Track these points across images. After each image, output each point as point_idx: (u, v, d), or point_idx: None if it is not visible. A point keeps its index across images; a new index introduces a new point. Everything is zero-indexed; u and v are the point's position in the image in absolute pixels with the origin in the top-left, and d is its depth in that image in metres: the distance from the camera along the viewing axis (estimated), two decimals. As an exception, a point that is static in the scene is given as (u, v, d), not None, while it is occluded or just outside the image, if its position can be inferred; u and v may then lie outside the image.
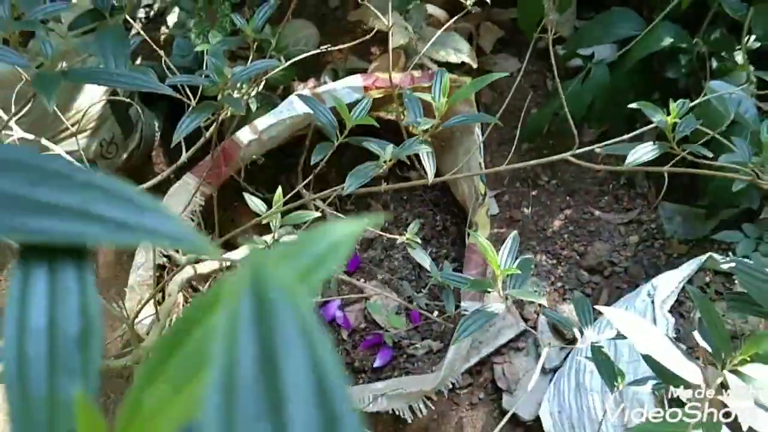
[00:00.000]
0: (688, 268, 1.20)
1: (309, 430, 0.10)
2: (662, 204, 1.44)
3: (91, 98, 1.18)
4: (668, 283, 1.18)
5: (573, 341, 1.35)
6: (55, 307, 0.12)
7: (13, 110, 0.90)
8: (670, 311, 1.17)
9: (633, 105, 0.68)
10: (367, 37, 0.88)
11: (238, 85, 0.90)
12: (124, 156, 1.35)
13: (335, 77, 1.40)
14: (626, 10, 1.36)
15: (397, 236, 1.24)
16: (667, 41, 1.28)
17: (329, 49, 1.02)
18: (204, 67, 0.76)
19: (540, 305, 1.34)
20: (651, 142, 0.67)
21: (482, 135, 1.19)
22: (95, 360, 0.12)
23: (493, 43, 1.52)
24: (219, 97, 0.72)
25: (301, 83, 1.38)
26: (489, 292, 0.69)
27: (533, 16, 1.37)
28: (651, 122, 0.72)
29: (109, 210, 0.15)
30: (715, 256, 1.11)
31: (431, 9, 1.44)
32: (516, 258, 0.71)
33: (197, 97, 0.81)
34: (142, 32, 0.92)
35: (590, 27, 1.39)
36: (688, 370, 0.61)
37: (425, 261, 0.77)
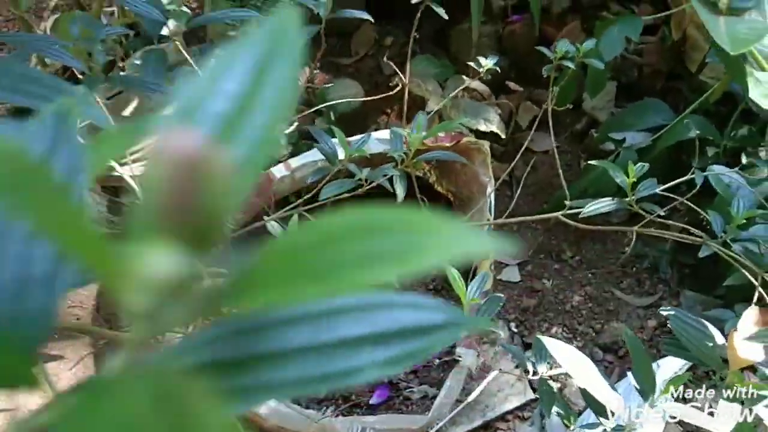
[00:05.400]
0: (694, 352, 1.24)
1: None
2: (684, 292, 1.48)
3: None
4: (672, 365, 1.23)
5: (578, 414, 1.40)
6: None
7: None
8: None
9: (594, 162, 0.78)
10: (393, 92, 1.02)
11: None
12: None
13: (377, 136, 1.55)
14: (658, 101, 1.46)
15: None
16: (694, 132, 1.36)
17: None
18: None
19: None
20: (610, 198, 0.77)
21: (512, 204, 1.31)
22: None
23: (530, 121, 1.64)
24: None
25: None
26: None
27: (568, 99, 1.49)
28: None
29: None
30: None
31: (475, 84, 1.58)
32: (484, 293, 0.80)
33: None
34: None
35: (623, 114, 1.50)
36: (614, 402, 0.68)
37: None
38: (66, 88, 0.27)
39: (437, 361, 1.25)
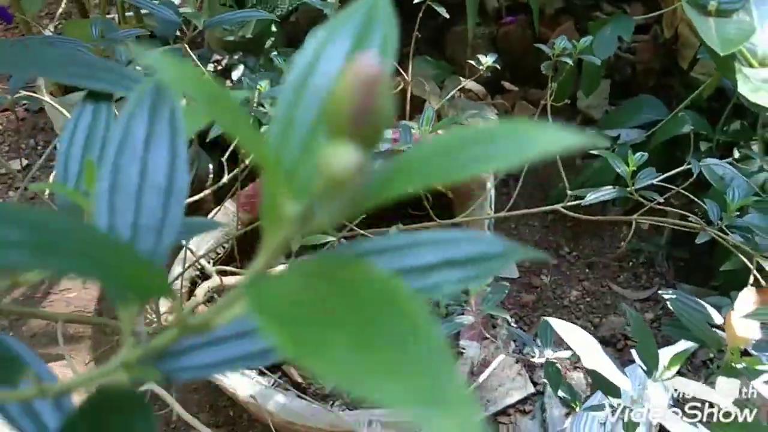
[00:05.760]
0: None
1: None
2: (680, 285, 1.52)
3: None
4: (671, 354, 1.27)
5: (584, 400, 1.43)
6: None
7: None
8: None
9: (594, 151, 0.82)
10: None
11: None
12: (179, 189, 1.55)
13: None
14: (652, 98, 1.50)
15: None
16: (687, 128, 1.40)
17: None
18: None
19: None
20: (611, 187, 0.80)
21: (511, 202, 1.34)
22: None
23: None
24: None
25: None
26: (464, 303, 0.82)
27: (565, 95, 1.53)
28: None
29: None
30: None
31: (471, 85, 1.62)
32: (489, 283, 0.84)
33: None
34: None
35: (618, 111, 1.54)
36: (622, 381, 0.71)
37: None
38: (130, 73, 0.30)
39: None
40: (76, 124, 0.28)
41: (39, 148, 1.78)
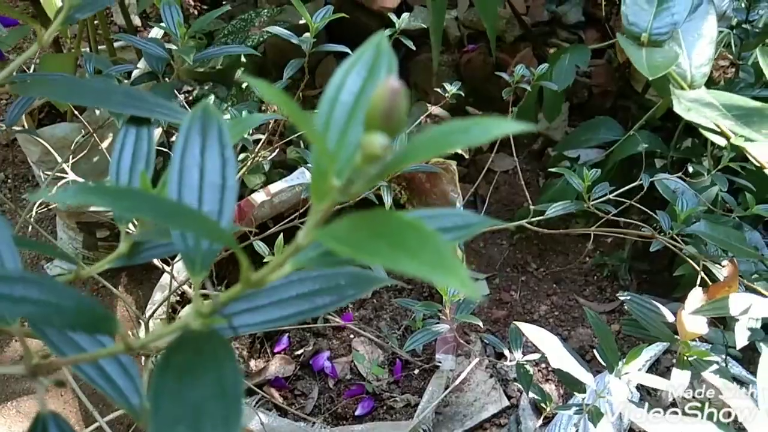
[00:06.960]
0: (655, 349, 1.39)
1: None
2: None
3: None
4: (635, 364, 1.35)
5: (552, 419, 1.51)
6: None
7: (70, 159, 1.16)
8: (637, 387, 1.34)
9: (553, 169, 0.90)
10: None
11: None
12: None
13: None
14: (609, 119, 1.61)
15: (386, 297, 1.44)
16: (642, 146, 1.51)
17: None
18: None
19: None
20: (569, 202, 0.89)
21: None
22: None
23: (489, 143, 1.78)
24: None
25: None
26: (440, 312, 0.89)
27: (527, 119, 1.63)
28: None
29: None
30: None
31: (437, 111, 1.71)
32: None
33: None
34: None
35: (576, 133, 1.64)
36: (586, 377, 0.79)
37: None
38: (163, 102, 0.36)
39: (417, 371, 1.34)
40: (123, 142, 0.35)
41: (9, 181, 1.82)
